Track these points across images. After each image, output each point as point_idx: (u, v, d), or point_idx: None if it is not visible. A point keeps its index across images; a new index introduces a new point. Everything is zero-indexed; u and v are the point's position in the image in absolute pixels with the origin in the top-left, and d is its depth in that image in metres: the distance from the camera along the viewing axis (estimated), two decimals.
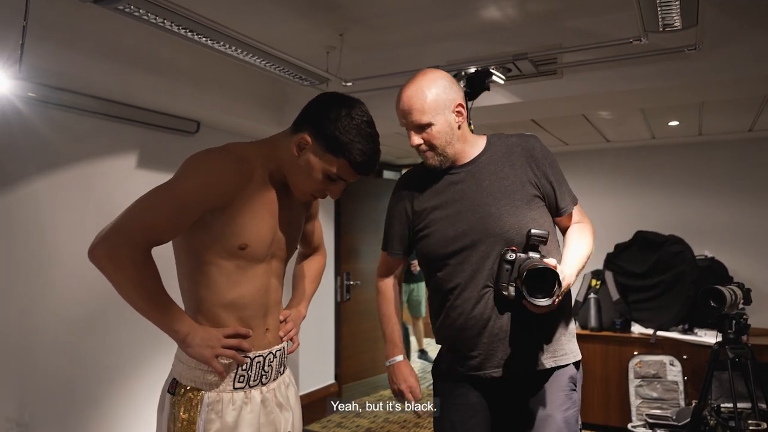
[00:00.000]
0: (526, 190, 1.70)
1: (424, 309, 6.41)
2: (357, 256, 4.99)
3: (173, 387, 1.42)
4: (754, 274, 3.94)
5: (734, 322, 2.68)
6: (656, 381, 3.89)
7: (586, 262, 1.68)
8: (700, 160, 4.42)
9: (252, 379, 1.44)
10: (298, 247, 1.74)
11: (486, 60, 2.73)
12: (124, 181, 3.15)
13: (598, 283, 4.25)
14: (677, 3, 2.05)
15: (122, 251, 1.28)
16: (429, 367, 6.25)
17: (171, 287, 1.42)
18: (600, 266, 4.27)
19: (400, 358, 1.84)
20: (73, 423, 2.91)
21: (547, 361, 1.70)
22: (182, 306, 1.45)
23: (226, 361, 1.39)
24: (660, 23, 2.22)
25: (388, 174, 5.46)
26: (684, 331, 3.94)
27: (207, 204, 1.35)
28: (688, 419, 3.39)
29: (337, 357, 4.76)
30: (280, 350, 1.53)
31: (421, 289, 6.37)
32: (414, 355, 6.39)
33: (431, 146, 1.71)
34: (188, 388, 1.40)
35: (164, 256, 1.44)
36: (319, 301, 4.55)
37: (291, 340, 1.59)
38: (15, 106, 2.54)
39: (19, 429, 2.68)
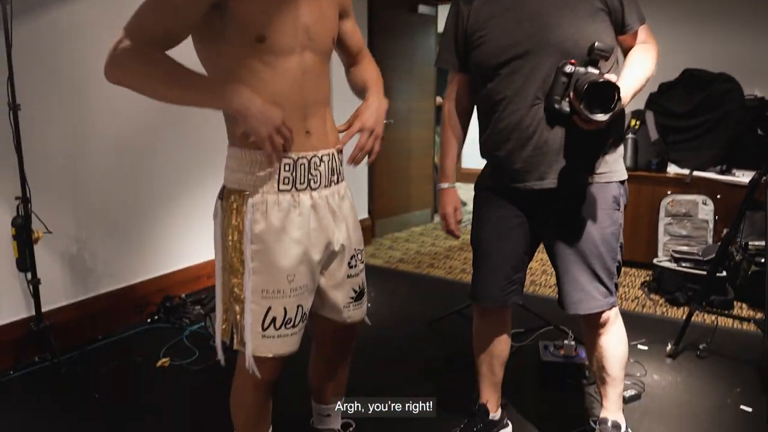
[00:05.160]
0: (591, 2, 1.61)
1: None
2: (390, 94, 4.84)
3: (221, 192, 1.46)
4: None
5: None
6: (686, 219, 3.93)
7: (644, 85, 1.63)
8: None
9: (298, 181, 1.42)
10: (343, 57, 1.68)
11: None
12: None
13: (638, 123, 4.15)
14: None
15: (121, 56, 1.24)
16: None
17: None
18: (641, 106, 4.14)
19: (444, 185, 1.96)
20: (125, 241, 3.12)
21: (590, 177, 1.72)
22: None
23: (266, 170, 1.39)
24: None
25: (423, 9, 5.19)
26: (721, 172, 3.90)
27: None
28: (714, 255, 3.46)
29: (370, 193, 4.87)
30: (328, 156, 1.48)
31: None
32: None
33: None
34: (234, 190, 1.42)
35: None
36: (352, 139, 4.56)
37: (366, 151, 1.50)
38: None
39: (78, 244, 2.89)
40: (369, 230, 4.89)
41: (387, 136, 4.87)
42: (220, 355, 1.49)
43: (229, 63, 1.36)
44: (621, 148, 1.79)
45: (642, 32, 1.70)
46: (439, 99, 5.96)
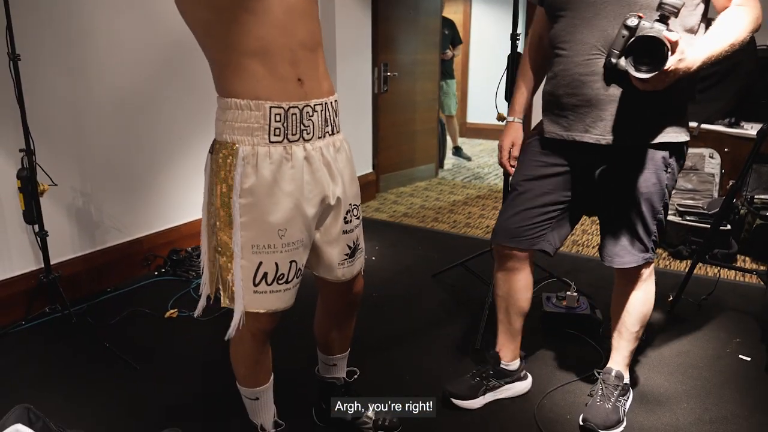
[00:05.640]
0: None
1: (453, 107, 6.28)
2: (395, 46, 4.82)
3: (212, 146, 1.42)
4: None
5: None
6: (692, 173, 3.90)
7: (727, 51, 1.50)
8: None
9: (290, 132, 1.37)
10: None
11: None
12: None
13: None
14: None
15: None
16: (463, 162, 6.41)
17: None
18: None
19: (509, 119, 1.97)
20: (131, 194, 3.13)
21: (638, 138, 1.65)
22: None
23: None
24: None
25: None
26: (730, 125, 3.85)
27: None
28: (718, 209, 3.45)
29: (374, 148, 4.85)
30: (321, 105, 1.43)
31: (451, 86, 6.19)
32: (448, 152, 6.48)
33: None
34: (223, 143, 1.38)
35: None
36: (357, 91, 4.52)
37: None
38: None
39: (84, 198, 2.90)
40: (374, 185, 4.88)
41: (391, 89, 4.84)
42: (200, 310, 1.48)
43: (210, 13, 1.30)
44: (684, 112, 1.69)
45: None
46: (448, 53, 5.86)
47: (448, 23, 6.02)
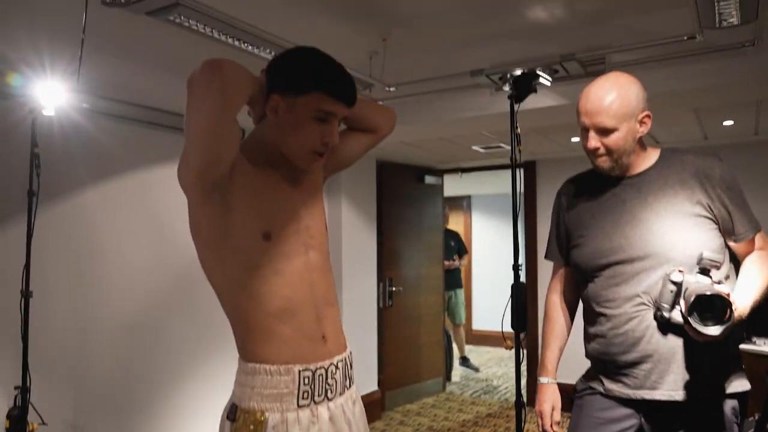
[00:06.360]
0: (695, 210, 1.60)
1: (463, 316, 6.29)
2: (399, 261, 4.97)
3: (233, 413, 1.34)
4: None
5: None
6: None
7: (765, 294, 1.55)
8: (757, 160, 4.24)
9: (316, 394, 1.34)
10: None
11: (532, 62, 2.67)
12: (175, 189, 3.19)
13: None
14: None
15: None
16: (471, 374, 6.21)
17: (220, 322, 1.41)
18: None
19: (543, 380, 1.88)
20: (124, 427, 2.97)
21: (704, 390, 1.59)
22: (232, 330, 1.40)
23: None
24: (717, 19, 2.14)
25: (429, 179, 5.43)
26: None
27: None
28: None
29: (380, 363, 4.73)
30: (342, 361, 1.43)
31: (459, 296, 6.26)
32: (456, 362, 6.33)
33: (608, 152, 1.65)
34: (249, 411, 1.31)
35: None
36: (362, 307, 4.54)
37: None
38: (70, 116, 2.62)
39: None
40: (379, 403, 4.67)
41: (396, 303, 4.87)
42: None
43: (239, 273, 1.32)
44: (739, 357, 1.67)
45: (759, 239, 1.64)
46: (446, 263, 6.02)
47: (454, 236, 6.31)
